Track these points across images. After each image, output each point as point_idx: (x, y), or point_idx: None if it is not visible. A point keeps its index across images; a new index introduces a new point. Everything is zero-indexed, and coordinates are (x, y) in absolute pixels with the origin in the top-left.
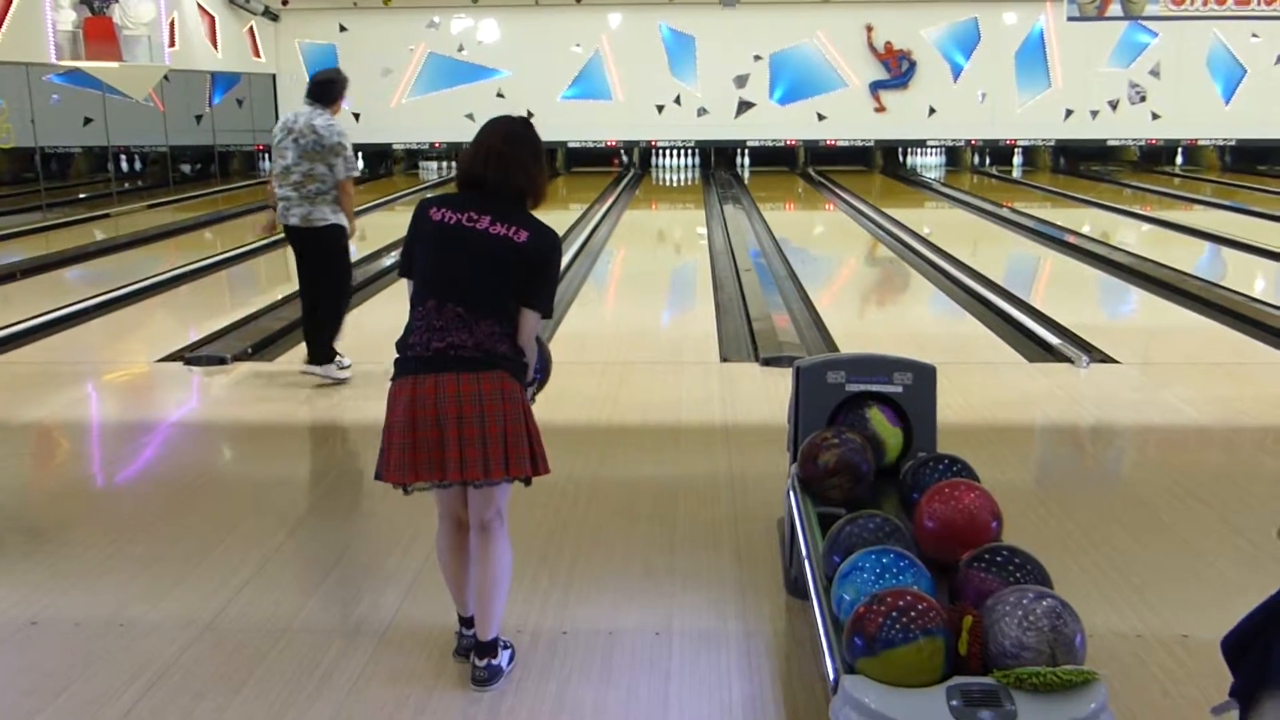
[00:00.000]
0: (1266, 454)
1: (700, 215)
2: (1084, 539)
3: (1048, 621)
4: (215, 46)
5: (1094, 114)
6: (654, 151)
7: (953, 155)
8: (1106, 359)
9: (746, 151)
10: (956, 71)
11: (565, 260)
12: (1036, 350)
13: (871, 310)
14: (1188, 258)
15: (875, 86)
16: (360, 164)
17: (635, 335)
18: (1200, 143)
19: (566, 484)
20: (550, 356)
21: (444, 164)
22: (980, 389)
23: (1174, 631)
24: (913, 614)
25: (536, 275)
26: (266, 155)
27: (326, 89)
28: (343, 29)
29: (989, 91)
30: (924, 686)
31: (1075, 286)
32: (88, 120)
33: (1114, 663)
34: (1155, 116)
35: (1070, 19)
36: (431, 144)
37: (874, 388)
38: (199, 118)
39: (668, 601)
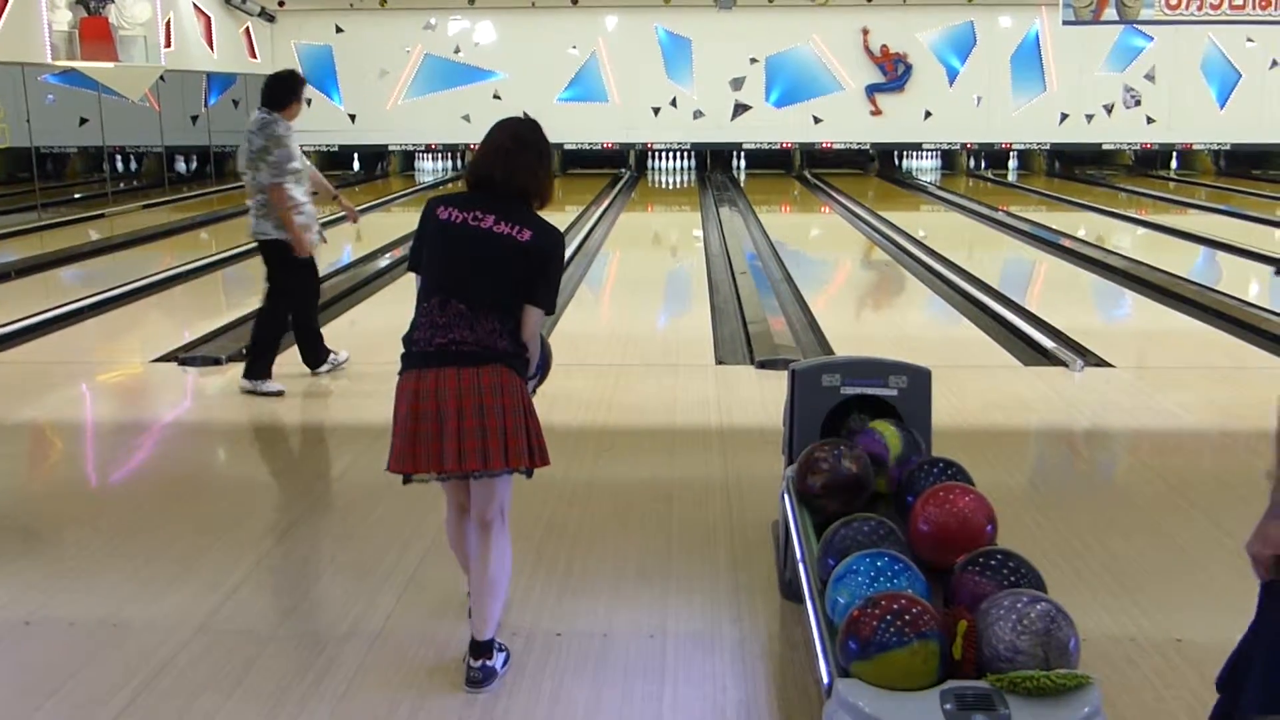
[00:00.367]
0: (1260, 458)
1: (696, 218)
2: (1078, 543)
3: (1042, 625)
4: (211, 47)
5: (1089, 118)
6: (650, 154)
7: (948, 159)
8: (1101, 363)
9: (742, 154)
10: (952, 75)
11: None
12: (1031, 354)
13: (867, 313)
14: (1182, 262)
15: (871, 90)
16: (284, 168)
17: (631, 338)
18: (1195, 147)
19: (562, 486)
20: (551, 352)
21: (440, 166)
22: (975, 392)
23: (1167, 635)
24: (907, 617)
25: (539, 273)
26: None
27: (272, 90)
28: (339, 30)
29: (984, 95)
30: (918, 690)
31: (1070, 290)
32: (83, 120)
33: (1108, 666)
34: (1150, 121)
35: (1065, 23)
36: (428, 145)
37: (869, 391)
38: (194, 118)
39: (662, 604)
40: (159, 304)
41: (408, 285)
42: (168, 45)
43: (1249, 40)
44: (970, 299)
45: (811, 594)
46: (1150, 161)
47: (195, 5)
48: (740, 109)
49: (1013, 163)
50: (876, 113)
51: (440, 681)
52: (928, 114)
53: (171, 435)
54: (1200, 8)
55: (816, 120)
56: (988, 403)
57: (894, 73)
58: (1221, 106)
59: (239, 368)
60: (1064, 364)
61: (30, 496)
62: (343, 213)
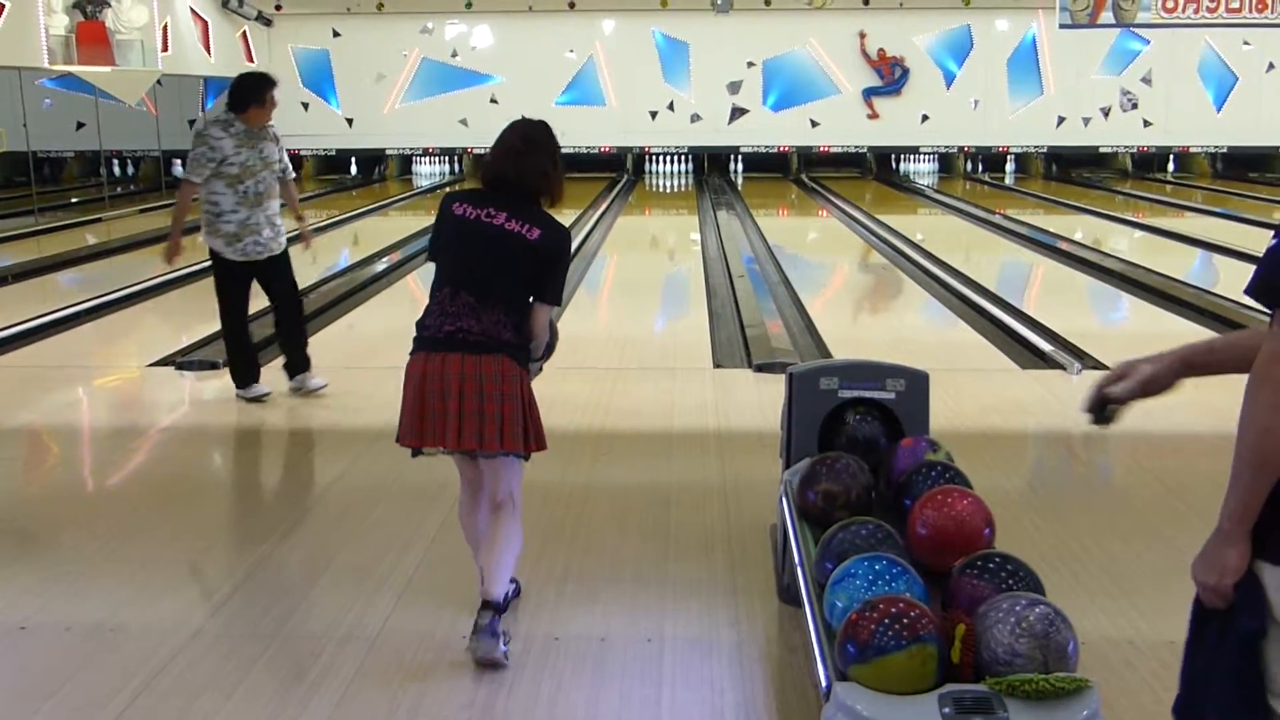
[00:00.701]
0: None
1: (694, 221)
2: (1076, 546)
3: (1040, 628)
4: (208, 51)
5: (1086, 121)
6: (647, 157)
7: (945, 162)
8: (1098, 365)
9: (740, 158)
10: (949, 78)
11: None
12: (1029, 357)
13: (864, 316)
14: (1179, 264)
15: (868, 93)
16: (195, 165)
17: (628, 341)
18: (1192, 150)
19: (559, 489)
20: (557, 332)
21: (438, 169)
22: (972, 395)
23: (1166, 638)
24: (905, 621)
25: (548, 270)
26: None
27: (232, 92)
28: (336, 34)
29: (981, 98)
30: (916, 694)
31: (1067, 293)
32: (80, 124)
33: (1106, 669)
34: (1147, 124)
35: (1062, 26)
36: (425, 149)
37: (866, 394)
38: (191, 122)
39: (660, 608)
40: (156, 308)
41: (405, 289)
42: (165, 49)
43: (1245, 43)
44: (967, 302)
45: (809, 597)
46: (1147, 164)
47: (192, 9)
48: (737, 113)
49: (1010, 166)
50: (874, 116)
51: (439, 684)
52: (925, 117)
53: (168, 439)
54: (1197, 10)
55: (814, 124)
56: (985, 406)
57: (891, 76)
58: (1218, 109)
59: None
60: (1061, 367)
61: (27, 500)
62: (303, 231)
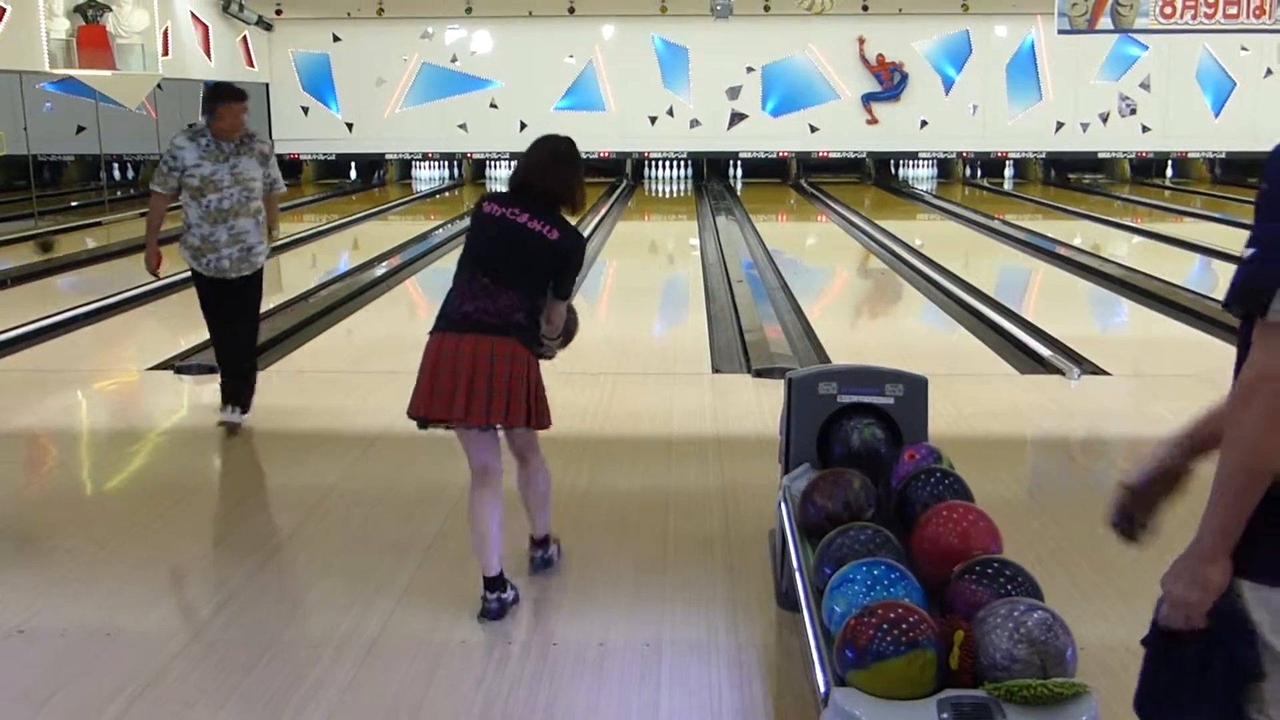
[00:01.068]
0: None
1: (693, 226)
2: (1075, 551)
3: (1039, 634)
4: (209, 56)
5: (1084, 126)
6: (647, 163)
7: (944, 167)
8: (1097, 371)
9: (739, 163)
10: (948, 84)
11: None
12: (1028, 362)
13: (863, 322)
14: (1178, 270)
15: (867, 99)
16: (160, 177)
17: (627, 346)
18: (1190, 155)
19: (558, 494)
20: (576, 318)
21: (438, 174)
22: (971, 400)
23: None
24: (904, 626)
25: (562, 267)
26: None
27: (203, 100)
28: (336, 39)
29: (980, 104)
30: (915, 699)
31: (1066, 298)
32: (80, 128)
33: (1105, 675)
34: (1145, 129)
35: (1061, 32)
36: (425, 154)
37: (865, 399)
38: (192, 125)
39: (659, 613)
40: (155, 312)
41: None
42: (165, 54)
43: (1243, 49)
44: (967, 307)
45: (808, 602)
46: (1146, 170)
47: (193, 14)
48: (737, 118)
49: (1009, 171)
50: (873, 122)
51: (437, 691)
52: (924, 123)
53: (167, 443)
54: (1195, 16)
55: (813, 129)
56: (984, 411)
57: (890, 82)
58: (1216, 115)
59: None
60: (1060, 372)
61: (25, 504)
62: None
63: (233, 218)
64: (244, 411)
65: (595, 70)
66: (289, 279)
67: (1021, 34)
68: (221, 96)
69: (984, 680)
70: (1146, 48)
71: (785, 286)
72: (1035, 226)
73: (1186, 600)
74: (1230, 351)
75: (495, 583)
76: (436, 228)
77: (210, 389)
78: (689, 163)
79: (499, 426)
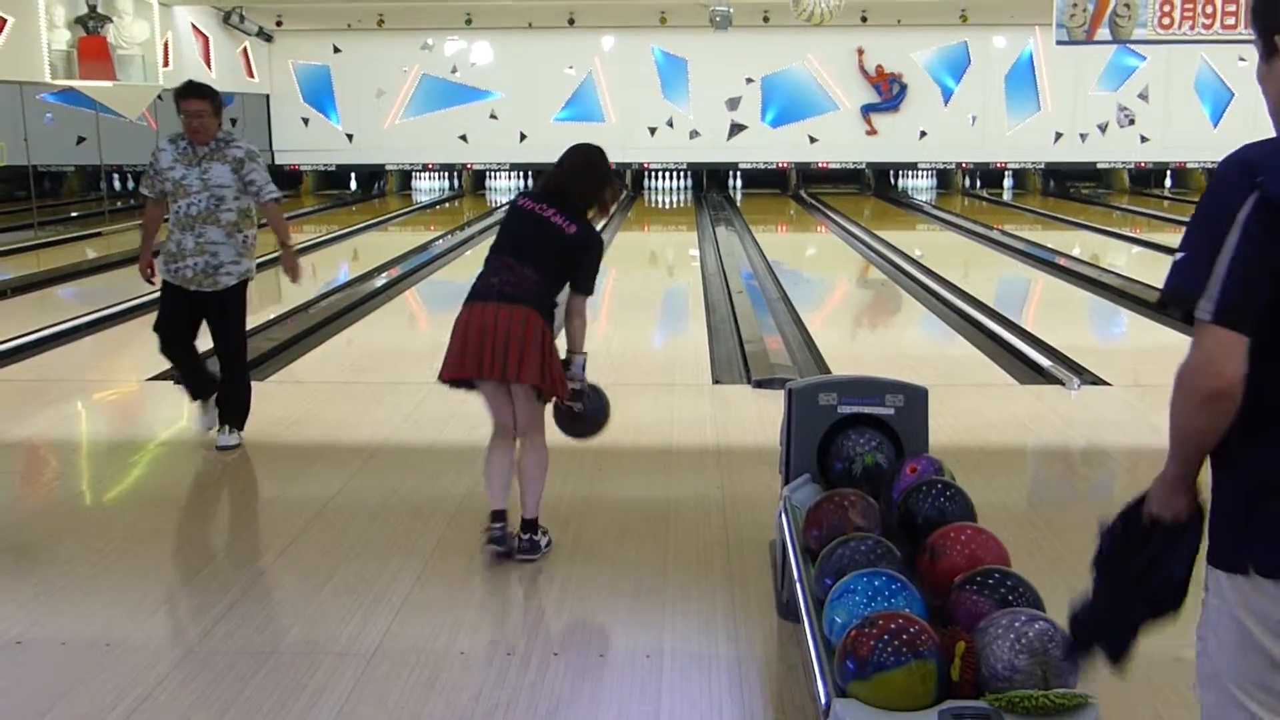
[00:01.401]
0: None
1: (692, 237)
2: (1075, 561)
3: (1040, 644)
4: (209, 66)
5: (1083, 137)
6: (646, 173)
7: (943, 178)
8: (1097, 381)
9: (739, 174)
10: (947, 95)
11: None
12: (1027, 372)
13: (863, 332)
14: None
15: (866, 109)
16: (148, 182)
17: (627, 357)
18: (1189, 165)
19: (558, 505)
20: (607, 404)
21: (438, 185)
22: (972, 411)
23: (1166, 653)
24: (905, 637)
25: (581, 257)
26: None
27: None
28: (336, 50)
29: (979, 115)
30: (916, 710)
31: (1066, 308)
32: (81, 139)
33: (1106, 685)
34: (1144, 139)
35: (1059, 43)
36: (425, 165)
37: (866, 410)
38: None
39: (659, 624)
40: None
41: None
42: (166, 64)
43: (1241, 59)
44: (966, 318)
45: (809, 613)
46: (1145, 180)
47: (193, 25)
48: (736, 129)
49: (1008, 181)
50: (872, 132)
51: (436, 701)
52: (923, 133)
53: (166, 453)
54: (1193, 27)
55: (812, 140)
56: (984, 421)
57: (889, 92)
58: (1215, 125)
59: None
60: (1060, 382)
61: (24, 514)
62: (285, 258)
63: (200, 225)
64: (240, 429)
65: (595, 81)
66: (289, 289)
67: (1020, 45)
68: (181, 93)
69: (985, 691)
70: (1145, 58)
71: (785, 297)
72: (1034, 237)
73: (1162, 516)
74: None
75: (499, 515)
76: (437, 238)
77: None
78: (689, 173)
79: (512, 386)
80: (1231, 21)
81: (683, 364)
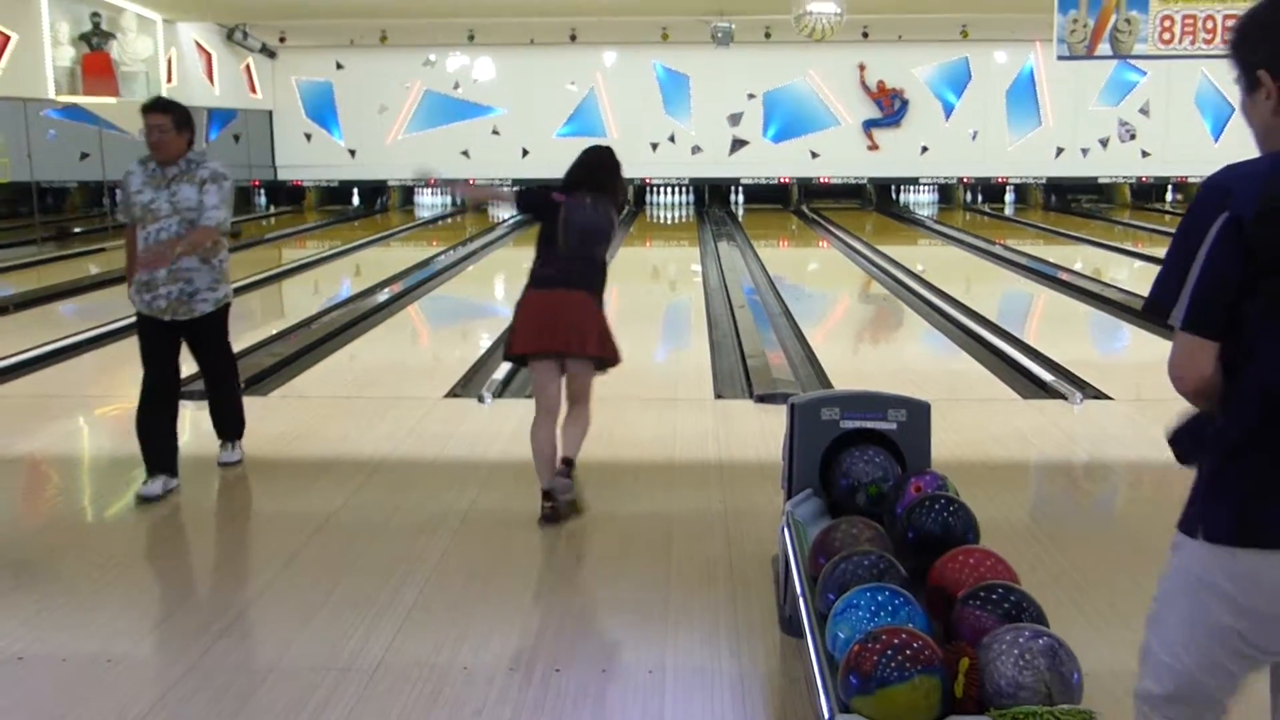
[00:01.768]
0: None
1: (695, 252)
2: (1079, 576)
3: (1044, 660)
4: (212, 83)
5: (1084, 152)
6: (648, 189)
7: (945, 193)
8: (1100, 395)
9: (740, 189)
10: (948, 110)
11: None
12: (1030, 387)
13: (865, 347)
14: None
15: (868, 125)
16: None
17: (629, 371)
18: (1190, 180)
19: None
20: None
21: (440, 200)
22: (974, 426)
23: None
24: (908, 652)
25: (609, 236)
26: (263, 191)
27: None
28: (339, 66)
29: (980, 130)
30: None
31: (1068, 323)
32: (84, 155)
33: (1110, 701)
34: (1145, 154)
35: (1060, 58)
36: (427, 180)
37: (868, 425)
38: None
39: (661, 639)
40: None
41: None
42: (169, 81)
43: None
44: (968, 332)
45: (812, 628)
46: (1146, 194)
47: (197, 42)
48: (738, 144)
49: (1009, 196)
50: (873, 148)
51: (440, 716)
52: (924, 148)
53: None
54: (1193, 42)
55: (814, 155)
56: (987, 436)
57: (890, 108)
58: (1216, 139)
59: None
60: (1063, 397)
61: (25, 530)
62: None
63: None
64: (239, 440)
65: (597, 97)
66: (291, 304)
67: (1021, 60)
68: (144, 108)
69: (989, 707)
70: (1145, 73)
71: (787, 312)
72: (1036, 251)
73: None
74: None
75: (568, 461)
76: (439, 254)
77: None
78: (691, 189)
79: (569, 362)
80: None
81: (685, 379)
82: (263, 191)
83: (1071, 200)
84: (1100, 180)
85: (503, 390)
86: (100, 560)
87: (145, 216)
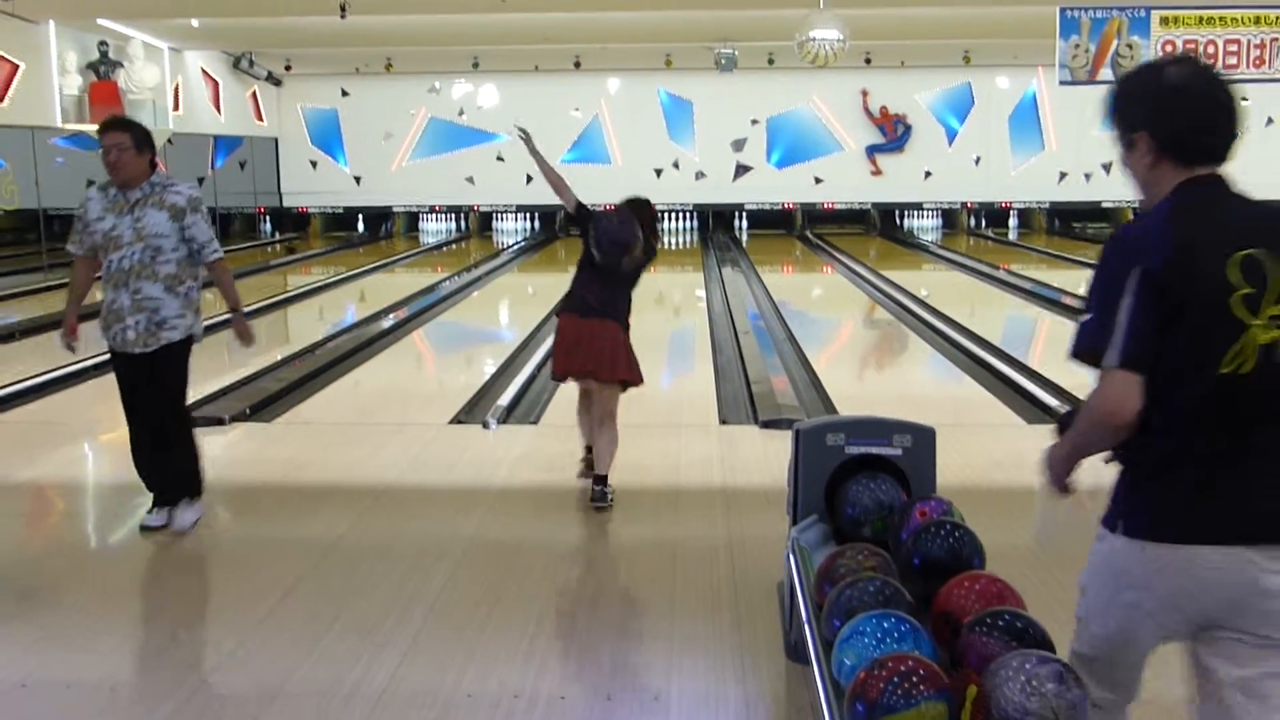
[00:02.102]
0: None
1: (699, 278)
2: None
3: (1051, 686)
4: (218, 110)
5: (1088, 176)
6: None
7: (949, 218)
8: None
9: (744, 214)
10: (951, 135)
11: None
12: (1035, 411)
13: (870, 372)
14: None
15: (871, 150)
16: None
17: (634, 397)
18: None
19: (564, 546)
20: (636, 234)
21: (445, 227)
22: (979, 450)
23: (1178, 694)
24: (915, 679)
25: (637, 278)
26: (267, 218)
27: None
28: (345, 94)
29: (983, 155)
30: None
31: None
32: (91, 182)
33: None
34: None
35: (1062, 83)
36: (432, 207)
37: (873, 450)
38: (201, 180)
39: (666, 665)
40: None
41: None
42: (176, 109)
43: (1244, 99)
44: (973, 357)
45: (817, 655)
46: None
47: (203, 70)
48: (742, 170)
49: (1013, 221)
50: (877, 173)
51: None
52: (928, 174)
53: None
54: None
55: (817, 181)
56: (992, 461)
57: (894, 133)
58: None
59: (243, 428)
60: None
61: (29, 556)
62: (236, 324)
63: (135, 280)
64: (196, 498)
65: (601, 123)
66: (296, 331)
67: (1023, 85)
68: (100, 128)
69: None
70: None
71: (792, 337)
72: (1040, 276)
73: (1052, 481)
74: None
75: (602, 479)
76: (444, 280)
77: (215, 440)
78: (695, 214)
79: (597, 384)
80: (1233, 61)
81: (690, 404)
82: (267, 218)
83: (1075, 226)
84: (1104, 205)
85: (507, 416)
86: (104, 587)
87: (107, 244)
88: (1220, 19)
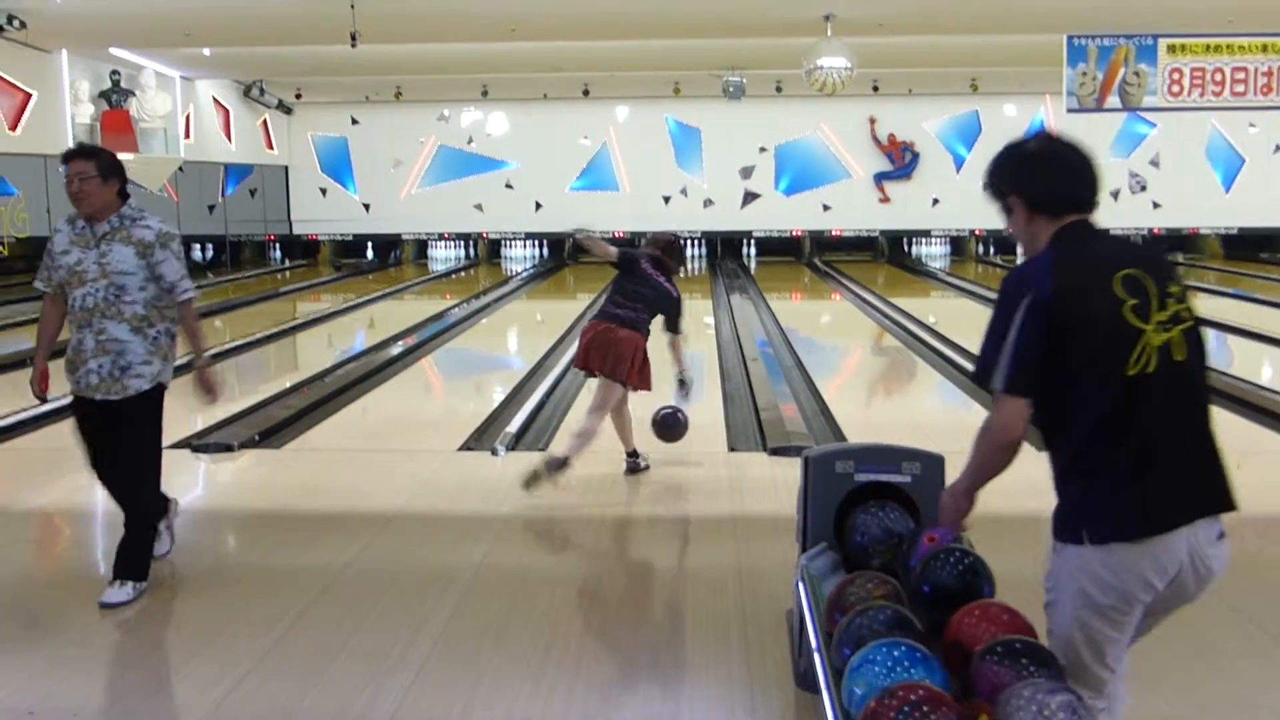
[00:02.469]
0: (1271, 542)
1: (707, 305)
2: None
3: (1063, 716)
4: (229, 139)
5: None
6: None
7: (957, 245)
8: None
9: (753, 241)
10: (959, 162)
11: (571, 350)
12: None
13: (879, 399)
14: None
15: (879, 177)
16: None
17: (643, 424)
18: (1201, 231)
19: (573, 573)
20: (684, 423)
21: (454, 254)
22: None
23: (1164, 713)
24: (926, 708)
25: (666, 307)
26: (278, 245)
27: None
28: (355, 122)
29: None
30: None
31: None
32: None
33: None
34: (1156, 205)
35: (1069, 111)
36: (441, 234)
37: (882, 478)
38: (212, 208)
39: (675, 694)
40: (172, 390)
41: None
42: (187, 137)
43: (1251, 125)
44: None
45: (827, 684)
46: (1158, 246)
47: (214, 98)
48: (750, 197)
49: (1021, 248)
50: (885, 200)
51: None
52: (936, 201)
53: (181, 522)
54: (1202, 94)
55: (826, 208)
56: (1001, 487)
57: (901, 160)
58: (1227, 190)
59: (252, 454)
60: None
61: (36, 583)
62: (199, 370)
63: (99, 319)
64: (136, 581)
65: (610, 151)
66: (305, 358)
67: (1030, 113)
68: (63, 159)
69: None
70: (1155, 125)
71: (800, 364)
72: None
73: (953, 519)
74: (1247, 426)
75: (633, 452)
76: (452, 307)
77: (226, 467)
78: (703, 242)
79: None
80: (1241, 89)
81: (699, 431)
82: (277, 245)
83: None
84: (1111, 232)
85: (516, 443)
86: (111, 614)
87: (71, 280)
88: (1227, 46)
